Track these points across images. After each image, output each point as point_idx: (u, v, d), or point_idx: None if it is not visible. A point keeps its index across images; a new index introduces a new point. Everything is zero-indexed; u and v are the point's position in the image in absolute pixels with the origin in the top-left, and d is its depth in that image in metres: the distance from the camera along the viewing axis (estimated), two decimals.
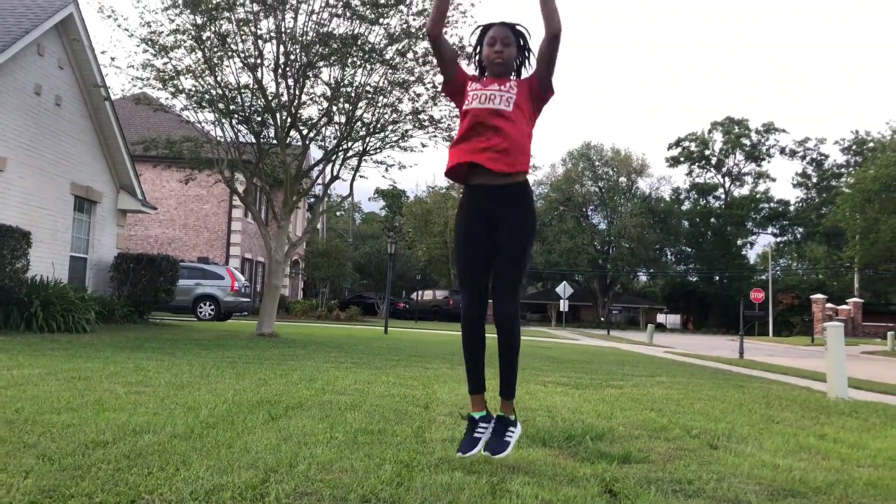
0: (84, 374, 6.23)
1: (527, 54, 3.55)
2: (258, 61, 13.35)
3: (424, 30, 3.44)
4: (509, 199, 3.28)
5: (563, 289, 40.82)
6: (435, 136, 14.56)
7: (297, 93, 13.73)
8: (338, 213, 57.56)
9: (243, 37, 13.11)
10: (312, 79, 13.78)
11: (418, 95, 14.12)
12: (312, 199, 27.70)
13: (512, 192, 3.28)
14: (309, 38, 13.27)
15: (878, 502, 3.13)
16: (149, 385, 5.77)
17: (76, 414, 4.22)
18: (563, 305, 42.19)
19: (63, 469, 2.94)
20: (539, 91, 3.39)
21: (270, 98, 13.72)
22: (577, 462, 3.67)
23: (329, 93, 13.87)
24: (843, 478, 3.56)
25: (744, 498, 3.08)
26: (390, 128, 14.57)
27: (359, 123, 14.36)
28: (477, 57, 3.66)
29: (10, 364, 6.79)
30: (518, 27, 3.58)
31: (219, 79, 13.52)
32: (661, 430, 4.82)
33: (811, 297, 45.97)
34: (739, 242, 68.22)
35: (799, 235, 69.02)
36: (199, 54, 13.19)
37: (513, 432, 3.42)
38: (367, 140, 14.72)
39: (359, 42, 13.21)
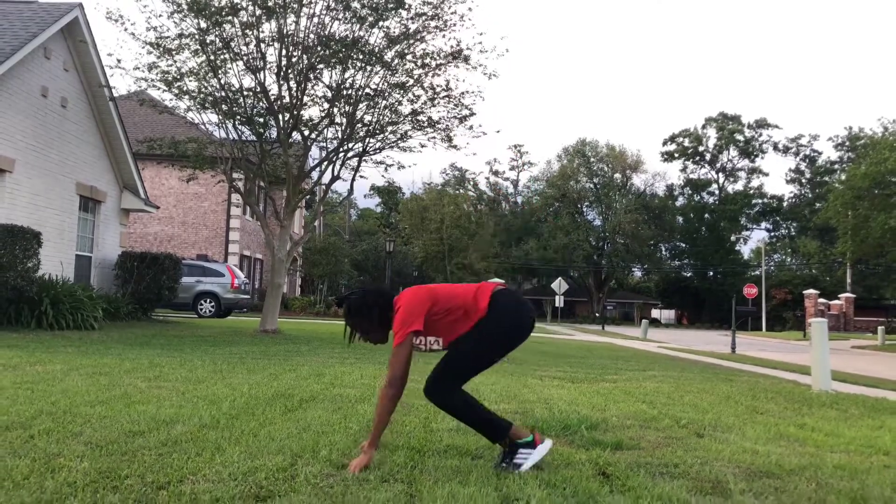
0: (103, 370, 6.55)
1: (369, 316, 3.56)
2: (261, 64, 13.64)
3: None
4: None
5: (559, 284, 41.16)
6: (434, 137, 14.88)
7: (299, 95, 14.02)
8: (334, 209, 57.77)
9: (246, 40, 13.39)
10: (314, 81, 14.08)
11: (417, 97, 14.43)
12: (308, 197, 27.98)
13: None
14: (310, 40, 13.56)
15: (844, 481, 3.47)
16: (167, 380, 6.09)
17: (108, 406, 4.54)
18: (559, 301, 42.55)
19: (111, 454, 3.28)
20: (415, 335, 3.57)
21: (273, 100, 14.01)
22: (573, 449, 4.01)
23: (330, 95, 14.17)
24: (816, 461, 3.90)
25: (723, 479, 3.43)
26: (390, 129, 14.87)
27: (359, 125, 14.66)
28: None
29: (31, 360, 7.10)
30: (346, 310, 3.64)
31: (222, 81, 13.80)
32: (651, 421, 5.15)
33: (804, 292, 46.43)
34: (733, 238, 68.71)
35: (793, 231, 69.55)
36: (203, 57, 13.46)
37: (524, 455, 3.42)
38: (367, 141, 15.02)
39: (358, 45, 13.50)
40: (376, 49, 13.72)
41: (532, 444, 3.45)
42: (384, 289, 3.77)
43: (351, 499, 2.76)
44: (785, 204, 69.14)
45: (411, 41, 13.95)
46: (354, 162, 15.44)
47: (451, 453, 3.70)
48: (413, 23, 13.77)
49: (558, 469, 3.45)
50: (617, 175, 65.60)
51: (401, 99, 14.55)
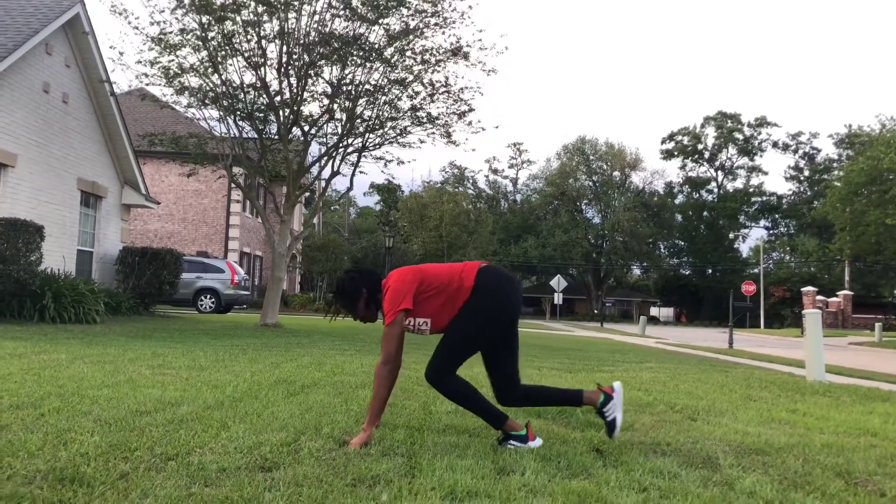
0: (108, 359, 6.65)
1: (356, 297, 3.71)
2: (261, 60, 13.73)
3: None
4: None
5: (558, 282, 41.27)
6: (433, 132, 14.99)
7: (299, 91, 14.12)
8: (332, 208, 57.89)
9: (248, 37, 13.49)
10: (314, 77, 14.18)
11: (416, 93, 14.53)
12: (307, 194, 28.09)
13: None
14: (311, 37, 13.66)
15: (830, 458, 3.58)
16: (171, 368, 6.19)
17: (115, 390, 4.65)
18: (558, 298, 42.68)
19: (120, 430, 3.38)
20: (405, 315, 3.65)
21: (273, 95, 14.10)
22: (568, 429, 4.12)
23: (330, 90, 14.28)
24: (804, 441, 4.01)
25: (713, 455, 3.54)
26: (389, 124, 14.98)
27: (359, 120, 14.76)
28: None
29: (36, 350, 7.20)
30: (335, 290, 3.84)
31: (223, 77, 13.90)
32: (646, 406, 5.25)
33: (802, 289, 46.55)
34: (732, 236, 68.81)
35: (791, 228, 69.65)
36: (204, 53, 13.56)
37: (514, 446, 3.51)
38: (367, 136, 15.13)
39: (359, 42, 13.61)
40: (376, 46, 13.83)
41: (524, 439, 3.56)
42: (372, 271, 3.86)
43: (353, 469, 2.87)
44: (784, 202, 69.24)
45: (411, 38, 14.06)
46: (354, 157, 15.57)
47: (450, 432, 3.80)
48: (413, 20, 13.88)
49: (553, 445, 3.56)
50: (616, 173, 65.74)
51: (400, 95, 14.67)
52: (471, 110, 14.80)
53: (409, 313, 3.54)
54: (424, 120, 14.78)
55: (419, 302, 3.54)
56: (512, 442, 3.54)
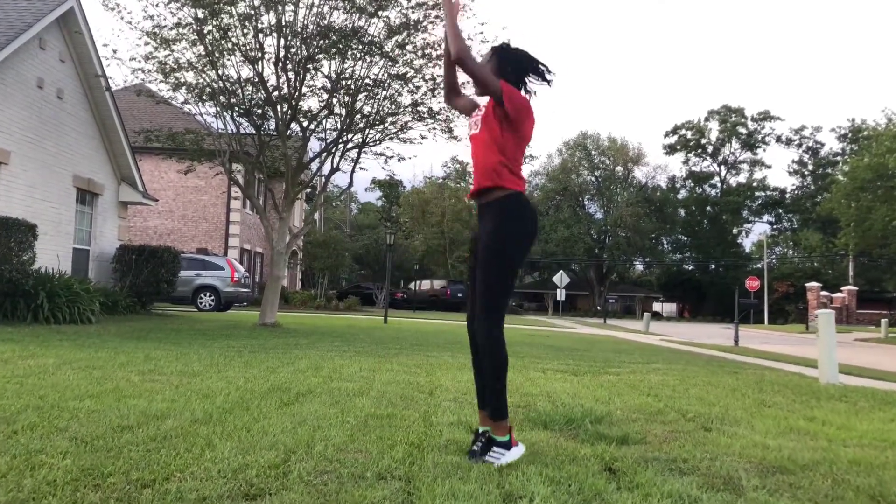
0: (97, 364, 6.41)
1: (505, 67, 3.56)
2: (259, 55, 13.47)
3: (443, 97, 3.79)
4: (482, 217, 3.55)
5: (560, 278, 41.04)
6: (434, 128, 14.72)
7: (298, 85, 13.86)
8: (333, 205, 57.62)
9: (244, 31, 13.22)
10: (313, 71, 13.91)
11: (417, 88, 14.26)
12: (308, 190, 27.82)
13: (483, 209, 3.53)
14: (309, 31, 13.39)
15: (860, 478, 3.33)
16: (162, 374, 5.96)
17: (98, 400, 4.41)
18: (560, 294, 42.42)
19: (96, 450, 3.14)
20: (494, 105, 3.47)
21: (271, 91, 13.85)
22: (577, 443, 3.87)
23: (329, 85, 14.01)
24: (830, 456, 3.76)
25: (735, 475, 3.28)
26: (390, 120, 14.71)
27: (358, 115, 14.50)
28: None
29: (24, 354, 6.97)
30: (497, 46, 3.68)
31: (220, 72, 13.64)
32: (657, 414, 5.01)
33: (806, 285, 46.24)
34: (735, 231, 68.51)
35: (795, 223, 69.31)
36: (201, 48, 13.30)
37: (498, 454, 3.31)
38: (367, 132, 14.87)
39: (358, 35, 13.33)
40: (376, 40, 13.55)
41: (507, 445, 3.33)
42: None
43: (345, 497, 2.63)
44: (787, 196, 68.89)
45: (412, 31, 13.77)
46: (354, 153, 15.31)
47: (452, 448, 3.56)
48: (414, 12, 13.59)
49: (563, 465, 3.32)
50: (618, 168, 65.41)
51: (401, 90, 14.40)
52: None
53: (489, 114, 3.41)
54: (425, 115, 14.51)
55: (496, 118, 3.39)
56: (496, 449, 3.31)
